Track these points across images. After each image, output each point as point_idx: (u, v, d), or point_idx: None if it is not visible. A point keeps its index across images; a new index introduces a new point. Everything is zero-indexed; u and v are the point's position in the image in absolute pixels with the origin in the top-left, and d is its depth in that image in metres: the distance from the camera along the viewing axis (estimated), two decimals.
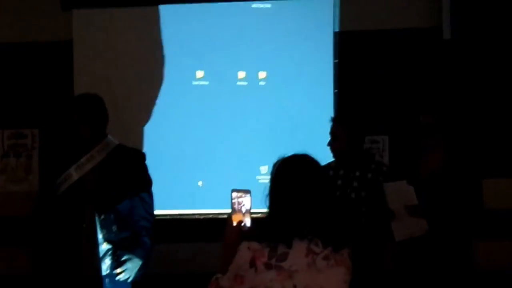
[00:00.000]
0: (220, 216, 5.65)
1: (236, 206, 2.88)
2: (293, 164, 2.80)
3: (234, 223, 2.88)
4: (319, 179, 2.76)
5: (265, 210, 2.79)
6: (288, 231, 2.66)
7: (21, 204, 5.50)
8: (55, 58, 5.65)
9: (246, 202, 2.87)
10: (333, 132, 4.77)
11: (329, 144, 4.75)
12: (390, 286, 4.74)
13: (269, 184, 2.81)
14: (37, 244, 4.49)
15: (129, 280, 4.35)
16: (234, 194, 2.89)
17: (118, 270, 4.31)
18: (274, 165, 2.84)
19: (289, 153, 2.86)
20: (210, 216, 5.73)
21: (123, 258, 4.33)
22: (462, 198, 4.46)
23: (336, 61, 5.83)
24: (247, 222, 2.86)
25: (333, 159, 4.76)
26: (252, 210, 2.86)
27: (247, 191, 2.88)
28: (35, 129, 5.43)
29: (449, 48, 5.79)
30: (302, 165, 2.79)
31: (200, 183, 5.75)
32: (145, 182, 4.54)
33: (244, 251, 2.68)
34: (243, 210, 2.87)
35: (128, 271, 4.32)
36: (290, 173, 2.76)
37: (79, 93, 4.97)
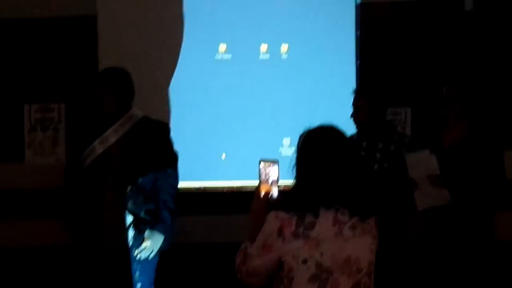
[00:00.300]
0: (243, 189, 5.70)
1: (263, 176, 2.91)
2: (319, 135, 2.82)
3: (262, 193, 2.92)
4: (345, 150, 2.78)
5: (291, 181, 2.81)
6: (315, 200, 2.69)
7: (48, 177, 5.58)
8: (80, 33, 5.67)
9: (273, 172, 2.90)
10: (355, 104, 4.79)
11: (352, 116, 4.77)
12: (414, 255, 4.77)
13: (295, 155, 2.83)
14: (69, 216, 4.56)
15: (151, 256, 4.42)
16: (262, 165, 2.92)
17: (137, 251, 4.39)
18: (301, 136, 2.85)
19: (313, 125, 2.87)
20: (234, 188, 5.76)
21: (144, 235, 4.41)
22: (485, 169, 4.48)
23: (358, 33, 5.82)
24: (274, 192, 2.90)
25: (355, 131, 4.77)
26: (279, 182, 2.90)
27: (274, 162, 2.91)
28: (61, 103, 5.47)
29: (470, 19, 5.78)
30: (329, 135, 2.81)
31: (223, 156, 5.77)
32: (171, 156, 4.57)
33: (272, 220, 2.72)
34: (270, 180, 2.90)
35: (148, 248, 4.39)
36: (317, 143, 2.78)
37: (104, 67, 5.02)
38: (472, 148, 4.54)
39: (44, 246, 5.54)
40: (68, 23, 5.68)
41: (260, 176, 2.93)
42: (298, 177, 2.80)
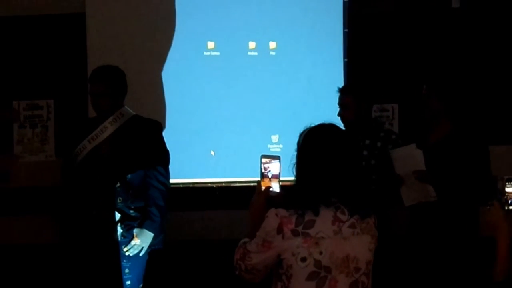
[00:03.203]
0: (232, 185, 5.73)
1: (263, 171, 2.95)
2: (320, 132, 2.83)
3: (262, 188, 2.95)
4: (346, 148, 2.80)
5: (291, 178, 2.84)
6: (315, 198, 2.72)
7: (37, 174, 5.57)
8: (69, 30, 5.63)
9: (273, 167, 2.93)
10: (342, 103, 4.81)
11: (339, 114, 4.78)
12: (400, 251, 4.80)
13: (296, 153, 2.85)
14: (60, 213, 4.57)
15: (142, 253, 4.43)
16: (263, 160, 2.95)
17: (126, 248, 4.40)
18: (301, 134, 2.87)
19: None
20: (223, 184, 5.77)
21: (134, 232, 4.43)
22: (469, 165, 4.50)
23: (346, 30, 5.83)
24: (275, 187, 2.93)
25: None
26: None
27: (275, 157, 2.94)
28: (50, 100, 5.46)
29: (457, 16, 5.83)
30: (330, 134, 2.83)
31: (212, 153, 5.76)
32: (162, 154, 4.59)
33: (272, 218, 2.74)
34: (270, 175, 2.94)
35: (138, 245, 4.41)
36: (318, 141, 2.80)
37: (93, 64, 5.01)
38: (456, 145, 4.56)
39: (32, 243, 5.52)
40: (57, 20, 5.63)
41: (260, 171, 2.96)
42: (298, 174, 2.82)
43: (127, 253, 4.40)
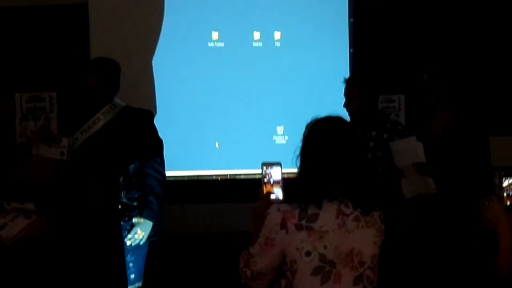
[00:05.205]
0: (237, 177, 5.71)
1: (265, 178, 2.91)
2: (326, 125, 2.80)
3: (264, 194, 2.91)
4: (351, 141, 2.77)
5: (294, 170, 2.81)
6: (319, 192, 2.68)
7: (39, 167, 5.52)
8: (71, 21, 5.62)
9: (274, 173, 2.90)
10: (347, 93, 4.76)
11: (345, 105, 4.74)
12: (404, 243, 4.76)
13: (300, 145, 2.81)
14: (57, 206, 4.53)
15: (141, 242, 4.39)
16: (264, 167, 2.92)
17: (127, 239, 4.36)
18: (307, 126, 2.83)
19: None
20: (227, 176, 5.75)
21: (133, 222, 4.39)
22: (469, 156, 4.45)
23: (351, 20, 5.81)
24: (277, 193, 2.89)
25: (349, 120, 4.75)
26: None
27: (276, 164, 2.91)
28: (53, 92, 5.44)
29: (463, 6, 5.80)
30: (335, 126, 2.79)
31: (217, 144, 5.75)
32: (156, 143, 4.55)
33: (274, 213, 2.70)
34: (271, 181, 2.90)
35: (138, 235, 4.36)
36: (323, 134, 2.77)
37: (95, 55, 4.98)
38: (456, 136, 4.51)
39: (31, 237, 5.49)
40: (59, 11, 5.62)
41: (262, 177, 2.92)
42: (302, 167, 2.78)
43: (128, 243, 4.36)
